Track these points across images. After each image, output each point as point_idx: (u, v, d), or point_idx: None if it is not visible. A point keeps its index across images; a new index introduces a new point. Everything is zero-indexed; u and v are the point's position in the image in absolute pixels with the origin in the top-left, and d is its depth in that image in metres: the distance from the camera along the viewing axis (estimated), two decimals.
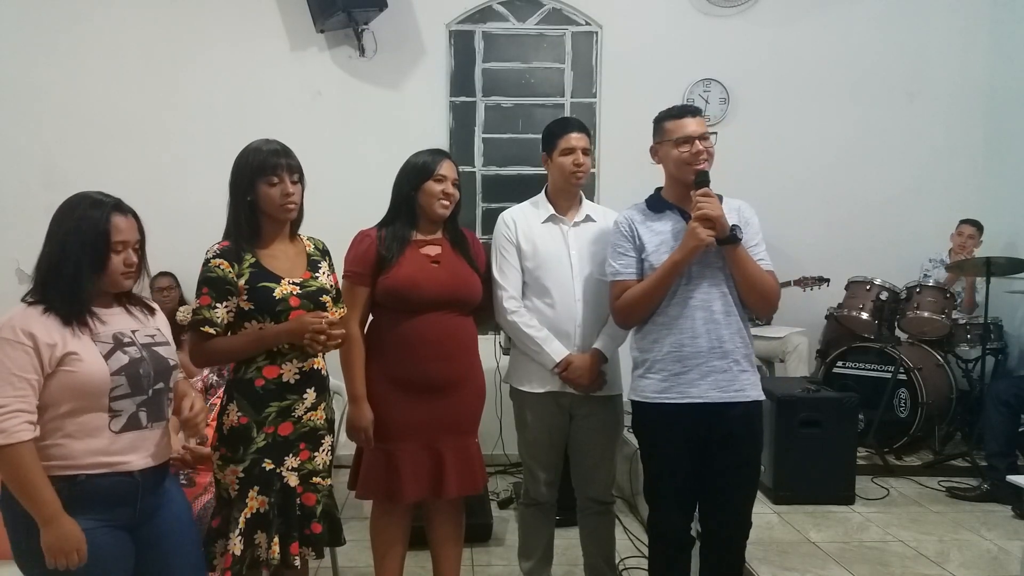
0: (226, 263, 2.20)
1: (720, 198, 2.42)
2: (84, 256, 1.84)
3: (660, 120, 2.48)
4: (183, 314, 3.64)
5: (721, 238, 2.30)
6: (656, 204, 2.50)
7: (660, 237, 2.43)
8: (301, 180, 2.29)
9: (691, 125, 2.39)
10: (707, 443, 2.39)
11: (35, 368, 1.77)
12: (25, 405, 1.75)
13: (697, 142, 2.37)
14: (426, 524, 2.73)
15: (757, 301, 2.43)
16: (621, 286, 2.45)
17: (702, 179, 2.36)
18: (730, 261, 2.35)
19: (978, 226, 4.88)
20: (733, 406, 2.37)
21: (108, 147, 4.85)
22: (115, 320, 1.92)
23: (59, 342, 1.79)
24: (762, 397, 2.46)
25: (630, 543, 3.53)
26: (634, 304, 2.42)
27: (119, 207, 1.90)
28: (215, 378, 3.06)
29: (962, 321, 4.70)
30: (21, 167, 4.87)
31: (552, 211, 2.74)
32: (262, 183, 2.22)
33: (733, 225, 2.32)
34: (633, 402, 2.50)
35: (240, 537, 2.19)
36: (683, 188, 2.42)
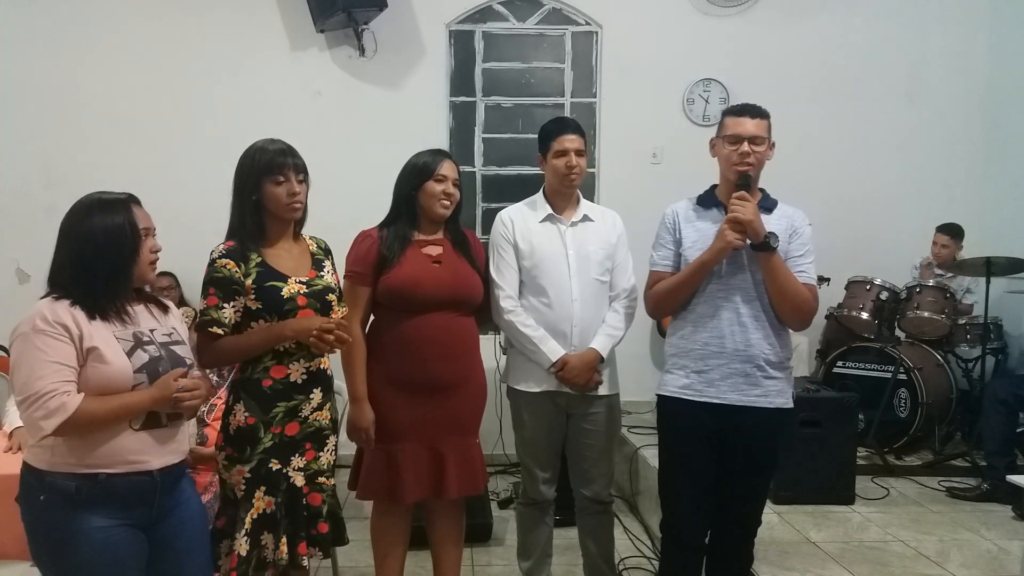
0: (232, 263, 2.20)
1: (775, 203, 2.43)
2: (120, 249, 1.88)
3: (724, 114, 2.46)
4: (181, 316, 3.63)
5: (754, 243, 2.29)
6: (706, 200, 2.50)
7: (699, 234, 2.43)
8: (306, 179, 2.30)
9: (746, 124, 2.36)
10: (725, 445, 2.37)
11: (73, 356, 1.79)
12: (70, 387, 1.78)
13: (746, 143, 2.35)
14: (426, 524, 2.73)
15: (788, 313, 2.38)
16: (656, 276, 2.48)
17: (743, 182, 2.35)
18: (763, 269, 2.33)
19: (953, 232, 4.80)
20: (752, 411, 2.35)
21: (108, 147, 4.85)
22: (136, 319, 1.94)
23: (85, 334, 1.81)
24: (789, 404, 2.42)
25: (630, 543, 3.53)
26: (663, 296, 2.45)
27: (133, 198, 1.96)
28: (215, 379, 3.06)
29: (962, 321, 4.70)
30: (21, 167, 4.87)
31: (550, 211, 2.74)
32: (268, 182, 2.23)
33: (769, 232, 2.29)
34: (657, 396, 2.50)
35: (246, 537, 2.19)
36: (731, 187, 2.40)
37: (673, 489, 2.48)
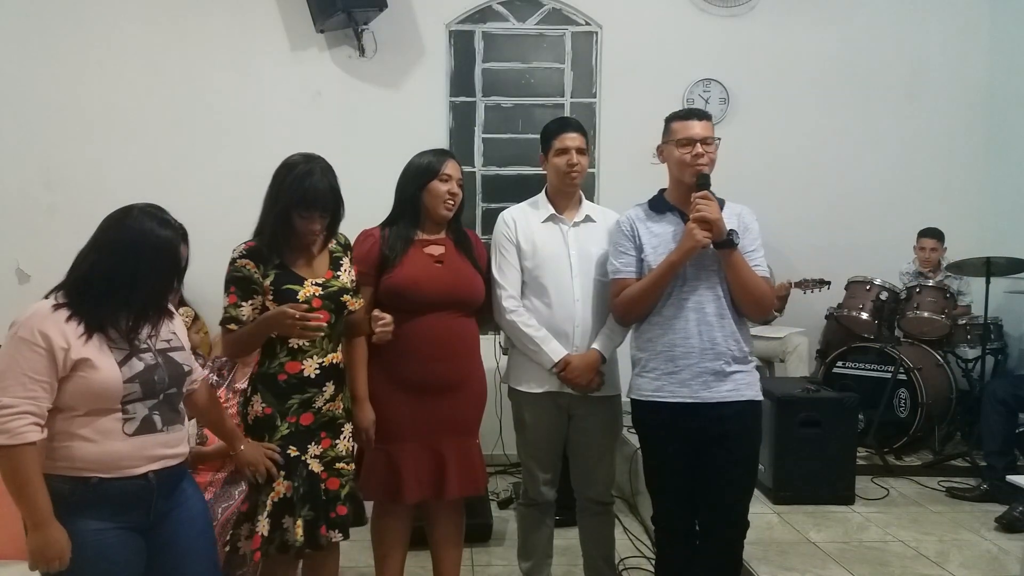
0: (252, 264, 2.28)
1: (722, 203, 2.45)
2: (160, 278, 1.89)
3: (669, 120, 2.52)
4: (182, 317, 3.64)
5: (717, 241, 2.33)
6: (658, 205, 2.53)
7: (659, 238, 2.46)
8: (335, 213, 2.32)
9: (695, 127, 2.42)
10: (702, 441, 2.42)
11: (48, 370, 1.76)
12: (34, 407, 1.74)
13: (699, 145, 2.39)
14: (426, 524, 2.73)
15: (750, 306, 2.46)
16: (620, 284, 2.49)
17: (702, 182, 2.39)
18: (726, 265, 2.39)
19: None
20: (725, 405, 2.40)
21: (108, 148, 4.84)
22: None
23: (73, 346, 1.78)
24: (759, 397, 2.48)
25: (630, 543, 3.53)
26: (632, 302, 2.46)
27: (185, 237, 1.96)
28: (215, 378, 3.06)
29: (962, 321, 4.70)
30: (21, 167, 4.86)
31: (552, 211, 2.74)
32: (295, 213, 2.26)
33: (730, 230, 2.35)
34: (631, 399, 2.55)
35: (268, 519, 2.26)
36: (684, 190, 2.44)
37: (657, 485, 2.56)
